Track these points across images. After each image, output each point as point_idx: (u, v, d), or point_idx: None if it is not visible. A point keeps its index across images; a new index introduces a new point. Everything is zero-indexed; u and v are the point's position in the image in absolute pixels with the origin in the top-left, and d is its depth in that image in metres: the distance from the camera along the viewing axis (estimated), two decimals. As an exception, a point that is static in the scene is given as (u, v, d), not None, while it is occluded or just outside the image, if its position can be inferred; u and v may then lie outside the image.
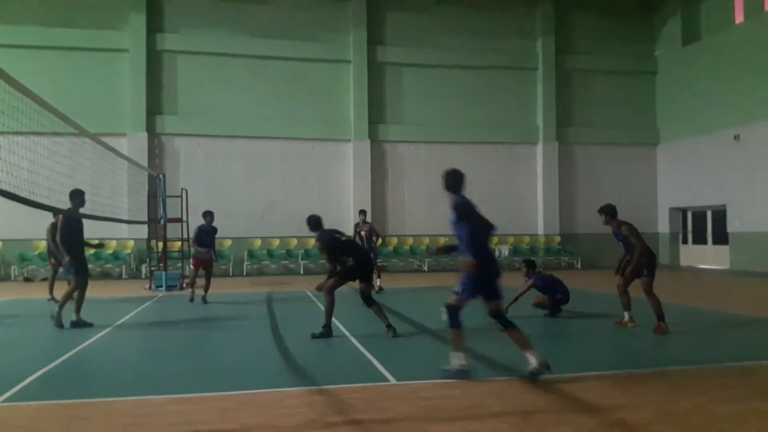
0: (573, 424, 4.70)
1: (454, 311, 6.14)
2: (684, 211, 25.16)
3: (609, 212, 9.03)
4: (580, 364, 6.85)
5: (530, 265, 10.75)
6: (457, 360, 6.09)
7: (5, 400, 5.45)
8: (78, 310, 9.36)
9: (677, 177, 24.54)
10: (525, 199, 24.36)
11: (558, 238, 24.22)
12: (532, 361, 5.89)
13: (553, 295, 10.30)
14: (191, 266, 13.57)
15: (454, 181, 6.62)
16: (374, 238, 14.44)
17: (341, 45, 22.98)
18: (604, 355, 7.48)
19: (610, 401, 5.28)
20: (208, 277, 13.14)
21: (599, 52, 25.07)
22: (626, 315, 9.09)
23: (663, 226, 25.38)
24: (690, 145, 23.74)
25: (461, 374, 6.03)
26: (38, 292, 15.72)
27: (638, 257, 8.68)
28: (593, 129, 25.02)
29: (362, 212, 15.15)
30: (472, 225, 6.15)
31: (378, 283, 14.07)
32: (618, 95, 25.30)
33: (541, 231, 24.33)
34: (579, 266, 23.45)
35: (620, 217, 8.97)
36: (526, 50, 24.57)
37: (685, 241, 25.26)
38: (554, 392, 5.61)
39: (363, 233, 14.39)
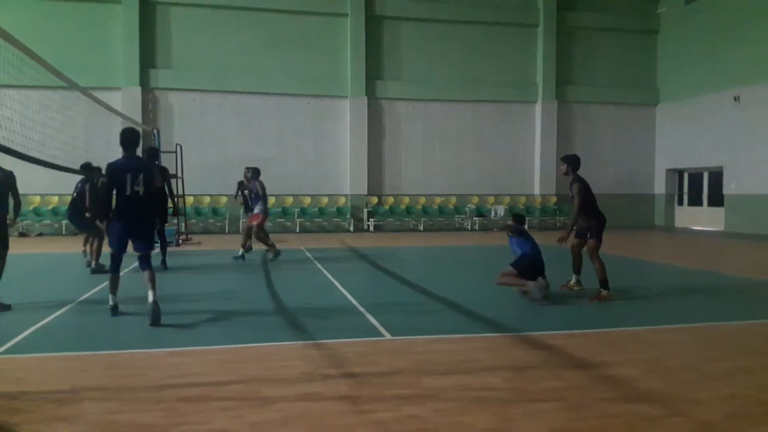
0: (564, 378, 4.78)
1: None
2: (681, 172, 25.13)
3: (572, 163, 8.64)
4: (570, 323, 6.96)
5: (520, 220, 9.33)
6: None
7: (4, 352, 5.49)
8: (97, 257, 10.69)
9: (675, 138, 24.43)
10: (522, 158, 24.25)
11: (554, 198, 24.22)
12: None
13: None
14: (261, 224, 12.66)
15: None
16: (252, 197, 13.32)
17: (338, -3, 22.49)
18: (595, 313, 7.56)
19: (601, 357, 5.36)
20: (250, 233, 12.79)
21: (601, 9, 24.62)
22: (574, 277, 8.96)
23: (659, 187, 25.37)
24: (689, 106, 23.56)
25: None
26: (34, 247, 15.74)
27: (575, 219, 8.39)
28: (593, 88, 24.76)
29: (248, 170, 13.24)
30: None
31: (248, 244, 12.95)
32: (619, 54, 24.96)
33: (537, 191, 24.32)
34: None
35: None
36: (528, 6, 24.11)
37: (680, 203, 25.32)
38: (546, 348, 5.69)
39: (246, 192, 13.69)
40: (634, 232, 21.34)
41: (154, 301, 6.68)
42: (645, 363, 5.23)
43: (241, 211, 17.27)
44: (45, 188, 19.14)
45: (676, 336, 6.29)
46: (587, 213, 8.43)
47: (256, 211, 12.70)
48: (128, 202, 6.94)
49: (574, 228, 8.63)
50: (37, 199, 19.94)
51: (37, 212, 19.82)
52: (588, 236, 8.49)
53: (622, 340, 6.11)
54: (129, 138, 7.07)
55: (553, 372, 4.97)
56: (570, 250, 8.95)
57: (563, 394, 4.41)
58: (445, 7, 23.27)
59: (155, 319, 6.58)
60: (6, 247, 7.75)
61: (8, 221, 7.92)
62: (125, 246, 7.19)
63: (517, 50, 24.11)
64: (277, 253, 12.71)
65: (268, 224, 14.93)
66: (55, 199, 20.11)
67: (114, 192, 7.01)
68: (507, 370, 5.01)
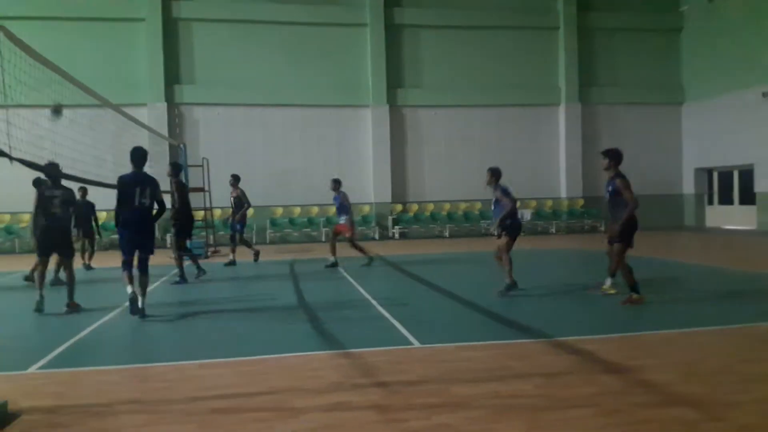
0: (598, 384, 4.71)
1: None
2: (710, 171, 24.68)
3: (615, 157, 8.22)
4: (602, 327, 6.86)
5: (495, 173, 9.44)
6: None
7: (40, 368, 5.60)
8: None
9: (703, 136, 24.01)
10: (547, 161, 24.07)
11: (581, 201, 23.97)
12: None
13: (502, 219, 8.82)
14: (353, 233, 13.11)
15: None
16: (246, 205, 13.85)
17: (358, 8, 22.63)
18: (626, 317, 7.44)
19: (635, 361, 5.27)
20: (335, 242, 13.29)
21: (622, 9, 24.38)
22: (609, 281, 8.72)
23: (688, 187, 24.97)
24: (716, 104, 23.15)
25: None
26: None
27: (630, 213, 7.80)
28: (617, 89, 24.49)
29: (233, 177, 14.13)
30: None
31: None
32: (642, 53, 24.65)
33: (564, 194, 24.09)
34: (603, 229, 23.20)
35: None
36: (547, 9, 23.99)
37: (710, 202, 24.86)
38: (577, 353, 5.62)
39: (232, 199, 13.90)
40: (665, 232, 21.00)
41: (139, 303, 7.73)
42: (680, 366, 5.14)
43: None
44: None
45: (712, 338, 6.17)
46: (621, 211, 7.97)
47: (342, 221, 13.03)
48: (136, 213, 7.78)
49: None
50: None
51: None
52: (622, 238, 8.01)
53: (656, 344, 6.01)
54: (139, 155, 7.89)
55: (586, 377, 4.90)
56: (606, 252, 8.58)
57: (597, 400, 4.34)
58: (464, 14, 23.27)
59: (134, 312, 7.68)
60: (72, 255, 8.70)
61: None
62: (134, 251, 7.92)
63: (538, 53, 23.98)
64: (370, 260, 13.06)
65: (294, 234, 14.96)
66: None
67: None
68: (538, 376, 4.96)
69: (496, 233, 9.12)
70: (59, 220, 8.38)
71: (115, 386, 5.00)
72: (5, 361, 5.89)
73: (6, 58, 6.10)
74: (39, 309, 8.17)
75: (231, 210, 14.11)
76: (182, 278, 11.15)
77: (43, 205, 8.37)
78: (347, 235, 12.92)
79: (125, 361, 5.86)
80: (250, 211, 21.32)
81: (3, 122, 6.27)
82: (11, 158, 6.43)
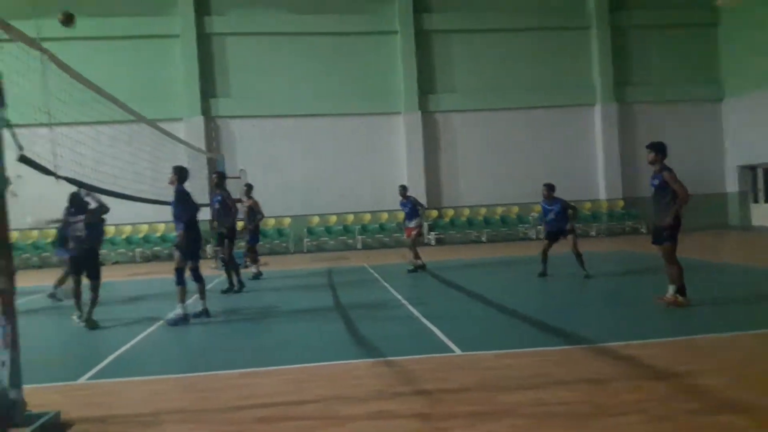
0: (644, 390, 4.61)
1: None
2: (754, 168, 23.98)
3: (661, 150, 7.85)
4: (647, 331, 6.69)
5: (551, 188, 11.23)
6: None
7: (89, 378, 5.75)
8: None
9: (745, 133, 23.33)
10: (584, 163, 23.71)
11: (621, 202, 23.55)
12: None
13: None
14: (416, 238, 13.63)
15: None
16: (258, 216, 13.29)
17: (387, 15, 22.73)
18: (671, 321, 7.26)
19: (682, 367, 5.14)
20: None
21: (655, 6, 23.88)
22: (671, 288, 7.86)
23: (731, 185, 24.29)
24: (758, 99, 22.46)
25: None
26: (112, 275, 16.41)
27: (681, 203, 7.49)
28: (653, 87, 24.01)
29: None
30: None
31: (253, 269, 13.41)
32: (678, 50, 24.10)
33: (603, 195, 23.71)
34: (644, 230, 22.74)
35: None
36: (578, 9, 23.70)
37: (756, 200, 24.13)
38: (622, 359, 5.51)
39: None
40: (709, 233, 20.48)
41: (205, 309, 8.57)
42: (729, 371, 4.99)
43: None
44: (118, 219, 19.98)
45: (761, 342, 5.98)
46: (667, 206, 7.72)
47: (410, 225, 13.38)
48: (196, 225, 8.55)
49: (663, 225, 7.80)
50: (112, 229, 20.85)
51: (112, 242, 20.71)
52: (663, 238, 7.81)
53: (704, 348, 5.85)
54: (187, 173, 8.66)
55: (632, 383, 4.80)
56: (662, 255, 8.05)
57: (644, 407, 4.25)
58: (494, 17, 23.16)
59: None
60: (98, 277, 8.74)
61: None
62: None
63: (571, 54, 23.69)
64: (418, 267, 13.21)
65: (330, 242, 14.90)
66: (129, 228, 21.05)
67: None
68: (583, 383, 4.87)
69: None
70: (83, 242, 8.52)
71: (161, 396, 5.09)
72: (56, 372, 6.07)
73: (49, 79, 6.30)
74: (92, 326, 8.24)
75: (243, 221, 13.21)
76: (239, 283, 11.43)
77: (71, 230, 8.62)
78: (411, 236, 13.34)
79: (169, 371, 5.97)
80: (271, 221, 21.62)
81: (48, 141, 6.46)
82: (57, 176, 6.65)
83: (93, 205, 8.64)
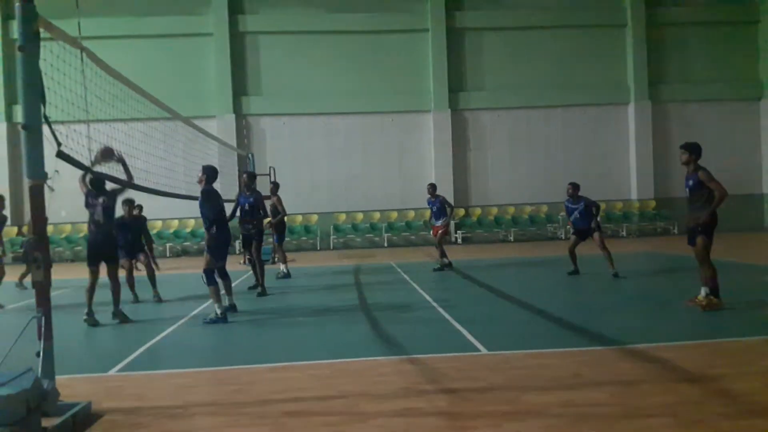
0: (676, 392, 4.53)
1: None
2: (792, 169, 23.36)
3: (696, 150, 7.72)
4: (679, 334, 6.57)
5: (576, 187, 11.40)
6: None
7: (119, 370, 5.86)
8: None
9: (784, 133, 22.74)
10: (616, 162, 23.36)
11: (653, 203, 23.13)
12: None
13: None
14: (443, 237, 13.67)
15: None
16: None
17: (418, 13, 22.69)
18: (703, 323, 7.12)
19: (715, 370, 5.04)
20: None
21: (692, 3, 23.41)
22: (703, 291, 7.73)
23: (768, 186, 23.72)
24: (799, 98, 21.89)
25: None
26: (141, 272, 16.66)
27: (719, 201, 7.35)
28: (689, 86, 23.52)
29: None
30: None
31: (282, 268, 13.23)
32: (715, 48, 23.56)
33: (634, 196, 23.33)
34: (676, 231, 22.33)
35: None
36: (613, 6, 23.32)
37: (794, 202, 23.51)
38: (654, 361, 5.42)
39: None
40: (745, 234, 20.01)
41: (233, 304, 8.74)
42: (763, 375, 4.88)
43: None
44: (149, 214, 20.28)
45: (799, 346, 5.83)
46: (701, 206, 7.57)
47: (438, 224, 13.43)
48: (226, 224, 8.73)
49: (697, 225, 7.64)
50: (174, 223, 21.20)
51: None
52: (696, 234, 7.60)
53: (737, 351, 5.73)
54: (216, 173, 8.71)
55: (663, 386, 4.71)
56: (695, 256, 7.90)
57: (675, 410, 4.17)
58: (526, 14, 22.93)
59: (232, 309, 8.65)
60: (117, 263, 8.78)
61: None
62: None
63: (605, 52, 23.32)
64: (444, 266, 13.28)
65: (357, 240, 14.87)
66: (159, 223, 21.37)
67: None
68: (613, 384, 4.81)
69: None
70: (102, 227, 8.30)
71: (190, 389, 5.17)
72: (87, 364, 6.21)
73: (87, 77, 6.43)
74: (92, 323, 8.08)
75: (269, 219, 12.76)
76: (262, 287, 10.84)
77: (89, 213, 8.40)
78: (437, 234, 13.35)
79: (198, 364, 6.05)
80: (298, 218, 21.70)
81: (84, 137, 6.59)
82: (92, 171, 6.80)
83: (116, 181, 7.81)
